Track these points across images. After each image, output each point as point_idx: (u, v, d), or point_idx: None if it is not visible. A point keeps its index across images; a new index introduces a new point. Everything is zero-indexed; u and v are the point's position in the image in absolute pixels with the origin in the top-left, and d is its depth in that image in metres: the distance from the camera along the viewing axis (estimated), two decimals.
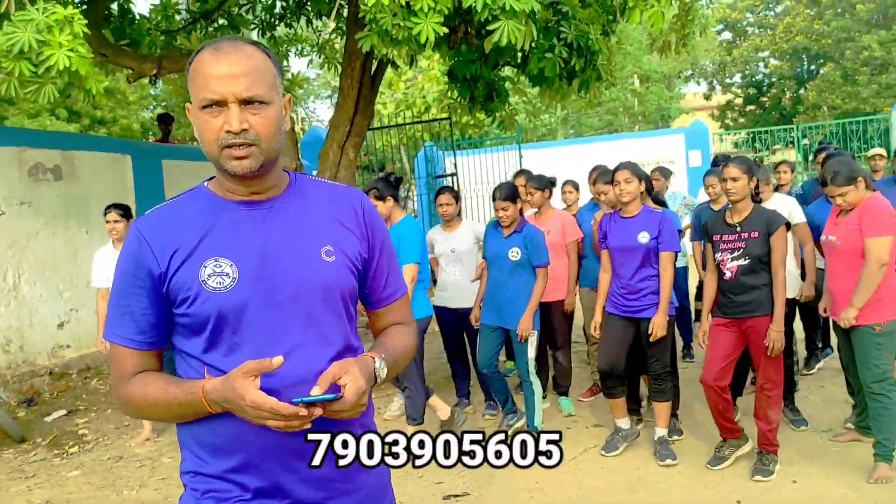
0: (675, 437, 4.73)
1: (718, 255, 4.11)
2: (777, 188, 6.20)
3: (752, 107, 29.20)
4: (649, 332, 4.33)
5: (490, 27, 4.64)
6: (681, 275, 6.07)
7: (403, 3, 4.46)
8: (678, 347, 5.72)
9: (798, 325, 5.44)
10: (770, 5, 29.20)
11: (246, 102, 1.46)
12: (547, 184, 5.63)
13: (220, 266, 1.50)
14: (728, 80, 30.08)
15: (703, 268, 4.70)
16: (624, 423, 4.63)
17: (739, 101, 29.69)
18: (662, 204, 4.95)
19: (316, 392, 1.39)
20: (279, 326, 1.52)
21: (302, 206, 1.62)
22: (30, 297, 6.88)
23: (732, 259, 4.04)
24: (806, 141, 17.20)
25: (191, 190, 1.62)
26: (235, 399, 1.36)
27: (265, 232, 1.55)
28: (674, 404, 4.77)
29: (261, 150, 1.48)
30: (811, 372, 6.01)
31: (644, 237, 4.33)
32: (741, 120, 29.16)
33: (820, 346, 6.19)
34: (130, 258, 1.53)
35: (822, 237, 4.24)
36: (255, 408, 1.34)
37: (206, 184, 1.63)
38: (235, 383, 1.36)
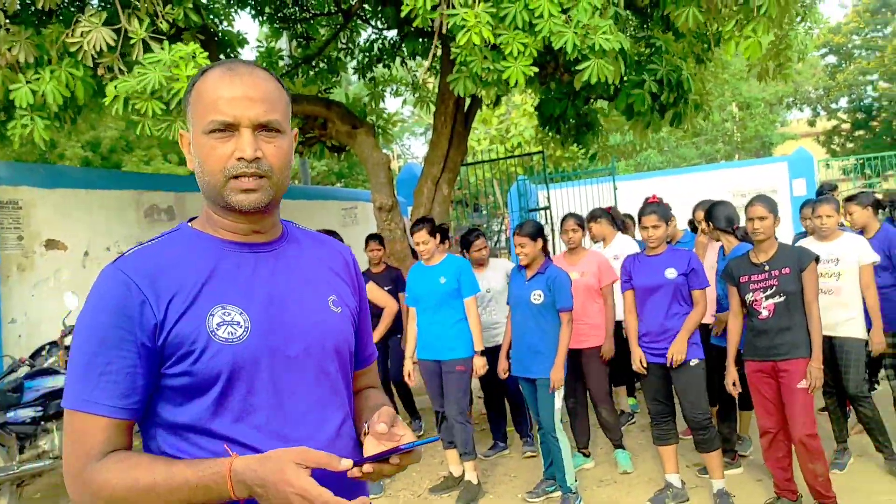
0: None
1: (749, 296, 3.97)
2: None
3: (861, 132, 27.89)
4: (671, 358, 4.20)
5: (578, 67, 4.68)
6: None
7: (493, 44, 4.57)
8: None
9: None
10: (878, 27, 27.96)
11: (260, 129, 1.29)
12: (582, 222, 5.28)
13: (230, 314, 1.27)
14: (833, 106, 28.88)
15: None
16: (675, 479, 4.44)
17: (847, 126, 28.42)
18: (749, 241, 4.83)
19: (382, 443, 1.25)
20: (294, 384, 1.32)
21: (301, 252, 1.45)
22: None
23: (767, 298, 3.90)
24: None
25: (170, 232, 1.39)
26: (279, 484, 1.12)
27: (271, 277, 1.35)
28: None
29: (272, 184, 1.31)
30: None
31: (671, 273, 4.24)
32: (849, 145, 27.88)
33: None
34: (113, 305, 1.24)
35: None
36: (304, 498, 1.12)
37: (189, 224, 1.40)
38: (286, 468, 1.13)
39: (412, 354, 5.03)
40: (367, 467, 1.21)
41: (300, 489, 1.11)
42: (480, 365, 4.77)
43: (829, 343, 4.60)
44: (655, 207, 4.34)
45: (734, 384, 4.14)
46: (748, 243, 4.75)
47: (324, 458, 1.15)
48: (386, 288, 6.04)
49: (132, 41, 4.64)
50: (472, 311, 4.78)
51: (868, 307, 4.55)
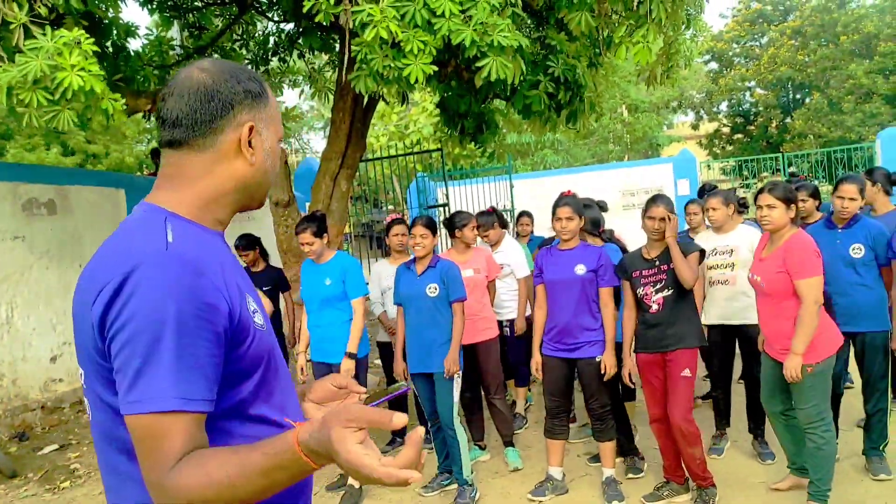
0: (633, 475, 4.71)
1: (640, 290, 4.13)
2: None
3: (739, 135, 29.56)
4: (602, 371, 4.26)
5: (478, 64, 4.74)
6: None
7: (396, 40, 4.56)
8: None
9: None
10: (756, 36, 29.70)
11: None
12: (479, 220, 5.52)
13: (252, 304, 1.32)
14: (715, 110, 30.49)
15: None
16: (556, 472, 4.55)
17: (727, 129, 30.06)
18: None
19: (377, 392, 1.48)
20: (282, 363, 1.41)
21: None
22: (23, 331, 6.88)
23: (657, 291, 4.07)
24: (793, 168, 17.42)
25: (172, 221, 1.27)
26: (335, 454, 1.06)
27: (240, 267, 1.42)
28: (622, 443, 4.75)
29: None
30: None
31: (581, 269, 4.27)
32: (729, 148, 29.49)
33: None
34: (188, 289, 1.15)
35: (749, 275, 4.04)
36: (352, 467, 1.05)
37: (177, 213, 1.30)
38: (333, 435, 1.05)
39: (305, 351, 4.95)
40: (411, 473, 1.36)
41: (345, 461, 1.04)
42: (345, 369, 4.59)
43: (734, 330, 4.87)
44: (570, 200, 4.37)
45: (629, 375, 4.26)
46: (612, 244, 4.98)
47: (375, 416, 1.07)
48: (265, 288, 5.95)
49: (11, 26, 4.37)
50: (358, 313, 4.66)
51: None
